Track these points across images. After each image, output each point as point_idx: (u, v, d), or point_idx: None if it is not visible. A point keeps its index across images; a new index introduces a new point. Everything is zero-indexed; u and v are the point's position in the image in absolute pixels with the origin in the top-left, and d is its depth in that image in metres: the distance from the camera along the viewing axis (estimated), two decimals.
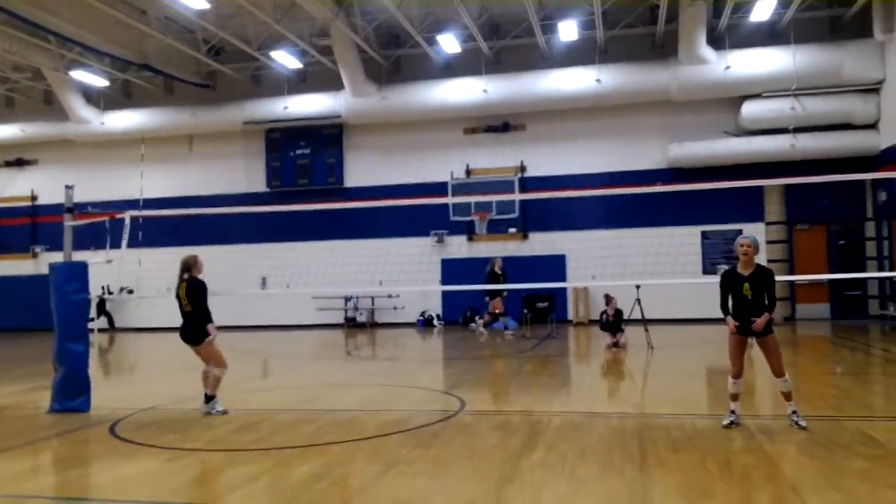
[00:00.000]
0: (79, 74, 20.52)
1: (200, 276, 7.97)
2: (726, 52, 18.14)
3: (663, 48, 19.07)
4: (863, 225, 18.75)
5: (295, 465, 5.63)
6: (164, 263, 11.90)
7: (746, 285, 6.42)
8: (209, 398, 7.87)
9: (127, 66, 20.48)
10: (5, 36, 18.23)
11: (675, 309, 17.78)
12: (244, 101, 21.44)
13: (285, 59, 19.48)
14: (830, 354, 12.94)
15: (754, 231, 17.70)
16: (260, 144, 22.25)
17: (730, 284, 6.53)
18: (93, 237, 10.57)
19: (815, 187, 17.51)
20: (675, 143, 19.22)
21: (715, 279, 6.90)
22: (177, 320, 7.93)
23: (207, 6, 16.21)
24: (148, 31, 17.52)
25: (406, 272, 18.42)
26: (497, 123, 20.70)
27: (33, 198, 24.02)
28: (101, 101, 22.41)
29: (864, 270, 18.13)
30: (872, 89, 17.74)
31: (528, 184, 20.14)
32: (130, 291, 21.35)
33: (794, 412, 6.43)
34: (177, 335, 7.95)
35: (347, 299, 21.17)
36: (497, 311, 16.65)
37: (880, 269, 17.70)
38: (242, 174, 22.36)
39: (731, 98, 18.83)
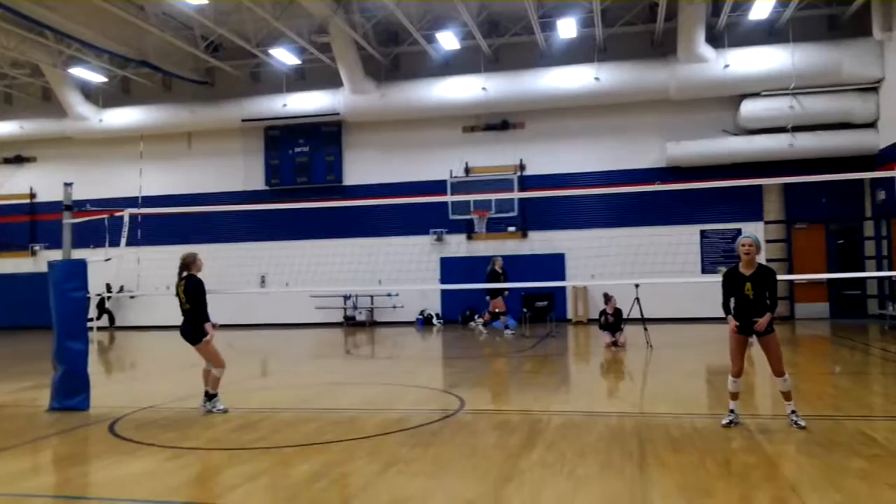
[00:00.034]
0: (77, 71, 20.47)
1: (199, 275, 7.96)
2: (725, 51, 18.14)
3: (662, 46, 19.06)
4: (861, 224, 18.76)
5: (295, 464, 5.63)
6: (162, 261, 11.88)
7: (748, 285, 6.42)
8: (210, 396, 7.87)
9: (125, 63, 20.43)
10: (3, 32, 18.19)
11: (674, 308, 17.81)
12: (243, 98, 21.40)
13: (284, 57, 19.45)
14: (829, 354, 12.95)
15: (753, 230, 17.83)
16: (259, 142, 22.22)
17: (732, 284, 6.53)
18: (92, 235, 10.55)
19: (813, 186, 17.55)
20: (673, 142, 19.21)
21: (714, 278, 6.90)
22: (176, 318, 7.93)
23: (206, 2, 16.18)
24: (146, 28, 17.48)
25: (405, 271, 18.40)
26: (496, 121, 20.69)
27: (32, 195, 23.96)
28: (100, 97, 22.37)
29: (862, 270, 18.14)
30: (871, 88, 17.75)
31: (527, 182, 20.13)
32: (131, 296, 21.41)
33: (793, 412, 6.44)
34: (176, 333, 7.95)
35: (346, 298, 21.16)
36: (498, 310, 16.66)
37: (879, 268, 17.72)
38: (241, 172, 22.33)
39: (730, 97, 18.83)
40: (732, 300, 6.55)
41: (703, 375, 10.70)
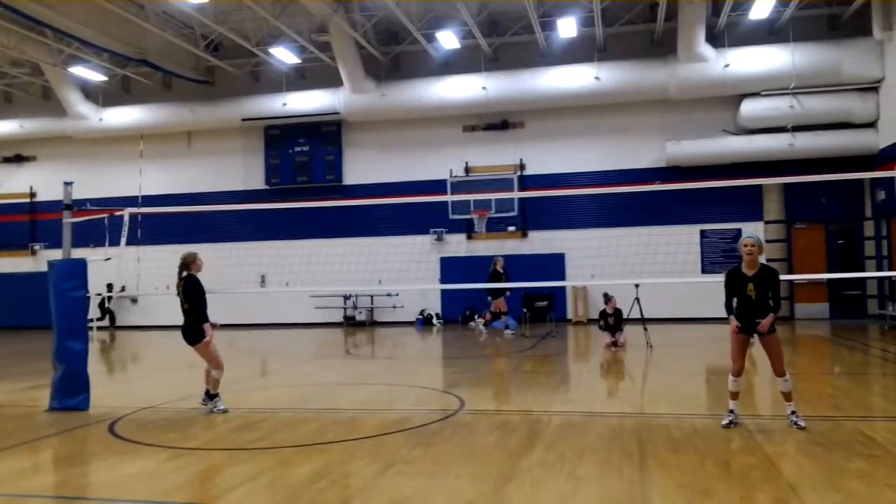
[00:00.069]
0: (77, 70, 20.46)
1: (199, 275, 7.95)
2: (725, 50, 18.13)
3: (662, 46, 19.05)
4: (861, 224, 18.76)
5: (295, 464, 5.64)
6: (162, 261, 11.88)
7: (751, 285, 6.42)
8: (212, 396, 7.87)
9: (125, 62, 20.41)
10: (3, 31, 18.19)
11: (674, 308, 17.80)
12: (243, 97, 21.40)
13: (284, 56, 19.43)
14: (829, 354, 12.96)
15: (753, 230, 17.85)
16: (259, 141, 22.21)
17: (734, 284, 6.53)
18: (92, 234, 10.55)
19: (813, 186, 17.54)
20: (673, 142, 19.21)
21: (713, 278, 6.91)
22: (176, 318, 7.93)
23: (206, 1, 16.17)
24: (146, 27, 17.47)
25: (405, 270, 18.39)
26: (496, 121, 20.69)
27: (32, 194, 23.95)
28: (100, 96, 22.36)
29: (862, 270, 18.14)
30: (871, 88, 17.74)
31: (527, 182, 20.13)
32: (133, 300, 21.42)
33: (793, 412, 6.45)
34: (177, 333, 7.95)
35: (346, 298, 21.15)
36: (501, 310, 16.69)
37: (879, 268, 17.71)
38: (241, 171, 22.32)
39: (730, 96, 18.82)
40: (735, 300, 6.55)
41: (703, 376, 10.70)
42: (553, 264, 19.61)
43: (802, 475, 5.03)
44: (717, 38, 18.36)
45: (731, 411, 6.56)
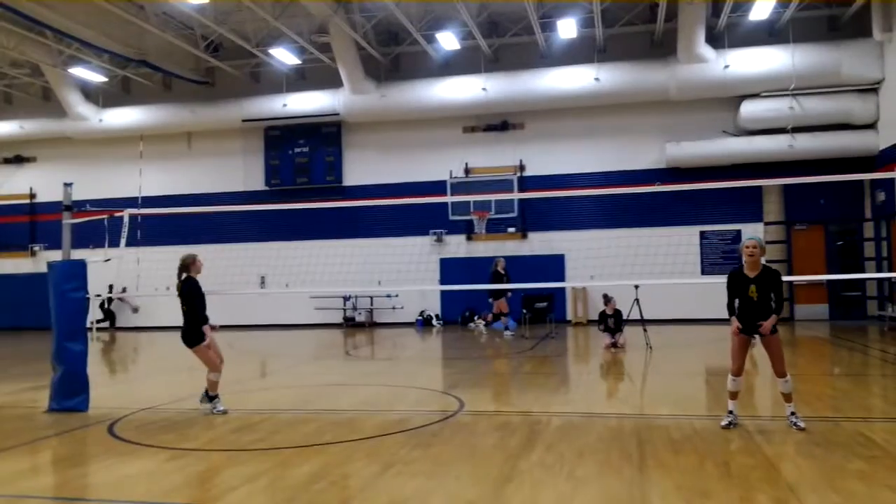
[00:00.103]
0: (77, 71, 20.47)
1: (199, 277, 7.93)
2: (725, 52, 18.14)
3: (662, 47, 19.06)
4: (861, 225, 18.76)
5: (294, 465, 5.63)
6: (162, 262, 11.88)
7: (752, 287, 6.43)
8: (211, 397, 7.87)
9: (125, 63, 20.42)
10: (3, 31, 18.20)
11: (673, 309, 17.80)
12: (243, 98, 21.40)
13: (284, 57, 19.44)
14: (829, 355, 12.96)
15: (753, 231, 17.87)
16: (259, 142, 22.22)
17: (736, 285, 6.53)
18: (91, 235, 10.55)
19: (813, 187, 17.54)
20: (673, 143, 19.22)
21: (713, 279, 6.91)
22: (175, 319, 7.93)
23: (206, 2, 16.18)
24: (146, 27, 17.48)
25: (405, 271, 18.40)
26: (496, 122, 20.69)
27: (32, 195, 23.96)
28: (100, 97, 22.37)
29: (862, 271, 18.14)
30: (871, 89, 17.74)
31: (526, 183, 20.13)
32: (135, 311, 21.44)
33: (792, 413, 6.45)
34: (175, 334, 7.95)
35: (346, 299, 21.15)
36: (502, 311, 16.69)
37: (879, 269, 17.71)
38: (241, 172, 22.33)
39: (730, 97, 18.82)
40: (736, 301, 6.55)
41: (703, 376, 10.70)
42: (553, 265, 19.60)
43: (802, 476, 5.03)
44: (716, 39, 18.37)
45: (731, 412, 6.56)
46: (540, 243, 20.31)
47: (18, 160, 24.15)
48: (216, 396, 7.88)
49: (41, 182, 23.68)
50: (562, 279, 19.19)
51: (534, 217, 20.19)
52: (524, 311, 16.80)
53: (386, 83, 20.37)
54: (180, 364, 11.41)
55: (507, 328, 16.63)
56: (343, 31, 17.99)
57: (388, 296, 20.60)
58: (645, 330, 13.32)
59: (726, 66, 18.04)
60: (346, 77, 19.65)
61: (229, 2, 17.04)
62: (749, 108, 18.56)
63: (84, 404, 8.21)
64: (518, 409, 7.97)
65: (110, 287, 20.46)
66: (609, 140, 20.03)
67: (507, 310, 16.71)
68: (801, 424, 6.33)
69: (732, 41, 18.35)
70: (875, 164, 17.54)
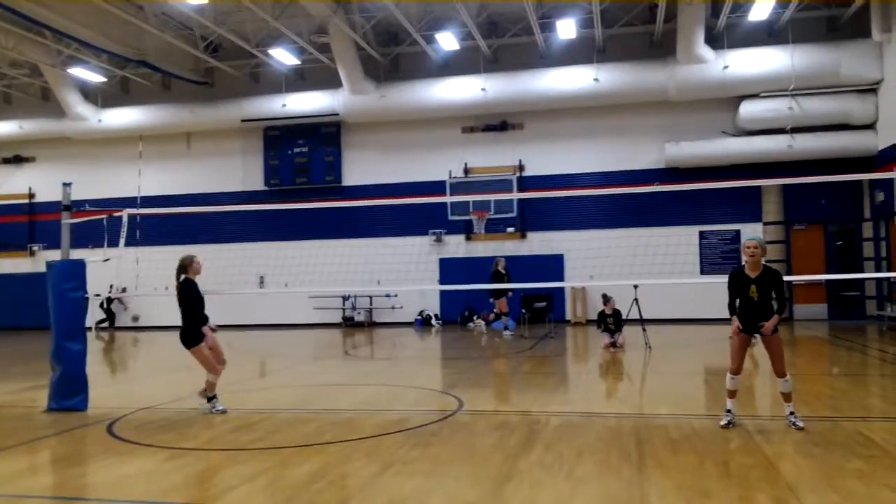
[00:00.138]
0: (76, 71, 20.46)
1: (197, 278, 7.90)
2: (724, 52, 18.14)
3: (661, 47, 19.07)
4: (860, 225, 18.78)
5: (293, 465, 5.63)
6: (161, 262, 11.87)
7: (753, 287, 6.44)
8: (210, 397, 7.86)
9: (124, 63, 20.41)
10: (2, 32, 18.18)
11: (673, 309, 17.80)
12: (242, 98, 21.40)
13: (283, 57, 19.44)
14: (828, 355, 12.96)
15: (752, 231, 17.89)
16: (258, 142, 22.21)
17: (737, 285, 6.54)
18: (91, 235, 10.54)
19: (812, 188, 17.55)
20: (672, 143, 19.22)
21: (712, 279, 6.93)
22: (174, 319, 7.92)
23: (205, 2, 16.17)
24: (145, 28, 17.47)
25: (404, 271, 18.40)
26: (495, 122, 20.70)
27: (31, 195, 23.95)
28: (99, 97, 22.36)
29: (861, 271, 18.15)
30: (870, 89, 17.75)
31: (526, 183, 20.13)
32: (135, 319, 21.42)
33: (791, 413, 6.45)
34: (174, 334, 7.94)
35: (345, 298, 21.15)
36: (502, 310, 16.69)
37: (878, 269, 17.72)
38: (240, 172, 22.32)
39: (729, 98, 18.83)
40: (737, 301, 6.56)
41: (702, 376, 10.70)
42: (552, 265, 19.61)
43: (801, 475, 5.03)
44: (716, 40, 18.38)
45: (729, 411, 6.56)
46: (539, 243, 20.32)
47: (17, 160, 24.13)
48: (214, 396, 7.87)
49: (40, 182, 23.67)
50: (561, 279, 19.20)
51: (533, 217, 20.20)
52: (523, 310, 16.80)
53: (385, 83, 20.37)
54: (179, 364, 11.39)
55: (506, 328, 16.63)
56: (342, 31, 17.99)
57: (388, 296, 20.60)
58: (644, 330, 13.32)
59: (725, 67, 18.05)
60: (345, 77, 19.65)
61: (229, 2, 17.03)
62: (748, 109, 18.57)
63: (83, 404, 8.21)
64: (517, 409, 7.97)
65: (112, 288, 20.45)
66: (608, 140, 20.04)
67: (507, 309, 16.72)
68: (800, 424, 6.33)
69: (732, 42, 18.36)
70: (874, 165, 17.55)
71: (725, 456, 5.59)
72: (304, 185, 21.59)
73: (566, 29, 17.85)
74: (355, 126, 21.44)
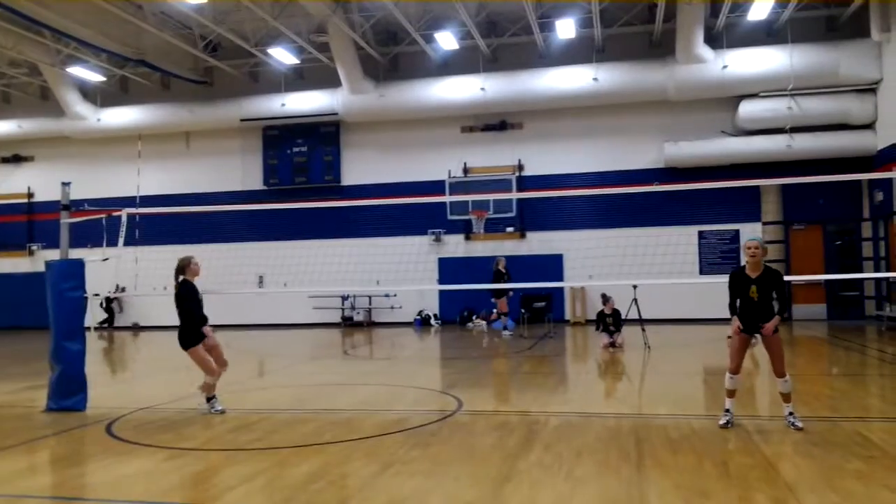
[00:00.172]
0: (75, 70, 20.43)
1: (196, 279, 7.88)
2: (723, 52, 18.15)
3: (661, 47, 19.06)
4: (859, 225, 18.78)
5: (292, 465, 5.63)
6: (160, 261, 11.87)
7: (753, 287, 6.44)
8: (208, 398, 7.85)
9: (123, 62, 20.38)
10: (1, 31, 18.15)
11: (672, 309, 17.81)
12: (241, 97, 21.39)
13: (283, 56, 19.43)
14: (827, 355, 12.96)
15: (751, 231, 17.90)
16: (257, 142, 22.19)
17: (737, 286, 6.55)
18: (90, 235, 10.53)
19: (811, 187, 17.55)
20: (671, 143, 19.22)
21: (711, 279, 6.93)
22: (172, 319, 7.91)
23: (205, 1, 16.15)
24: (145, 27, 17.46)
25: (403, 271, 18.40)
26: (494, 122, 20.69)
27: (30, 195, 23.92)
28: (98, 96, 22.34)
29: (860, 271, 18.16)
30: (869, 89, 17.75)
31: (525, 183, 20.13)
32: (137, 326, 21.36)
33: (790, 413, 6.46)
34: (173, 334, 7.93)
35: (344, 298, 21.14)
36: (502, 310, 16.69)
37: (877, 269, 17.72)
38: (239, 172, 22.30)
39: (728, 97, 18.83)
40: (738, 301, 6.57)
41: (701, 376, 10.70)
42: (551, 265, 19.61)
43: (800, 476, 5.03)
44: (715, 40, 18.39)
45: (727, 410, 6.57)
46: (538, 243, 20.32)
47: (16, 159, 24.11)
48: (213, 397, 7.87)
49: (39, 181, 23.64)
50: (560, 279, 19.19)
51: (532, 217, 20.20)
52: (522, 310, 16.80)
53: (384, 83, 20.37)
54: (178, 363, 11.38)
55: (505, 328, 16.63)
56: (342, 30, 17.98)
57: (387, 295, 20.60)
58: (643, 330, 13.32)
59: (724, 67, 18.06)
60: (344, 77, 19.64)
61: (228, 1, 17.02)
62: (747, 108, 18.57)
63: (82, 404, 8.20)
64: (516, 409, 7.97)
65: (116, 288, 20.46)
66: (607, 140, 20.04)
67: (507, 309, 16.71)
68: (799, 424, 6.34)
69: (731, 41, 18.37)
70: (873, 164, 17.56)
71: (724, 456, 5.59)
72: (304, 185, 21.58)
73: (565, 28, 17.85)
74: (354, 125, 21.43)
